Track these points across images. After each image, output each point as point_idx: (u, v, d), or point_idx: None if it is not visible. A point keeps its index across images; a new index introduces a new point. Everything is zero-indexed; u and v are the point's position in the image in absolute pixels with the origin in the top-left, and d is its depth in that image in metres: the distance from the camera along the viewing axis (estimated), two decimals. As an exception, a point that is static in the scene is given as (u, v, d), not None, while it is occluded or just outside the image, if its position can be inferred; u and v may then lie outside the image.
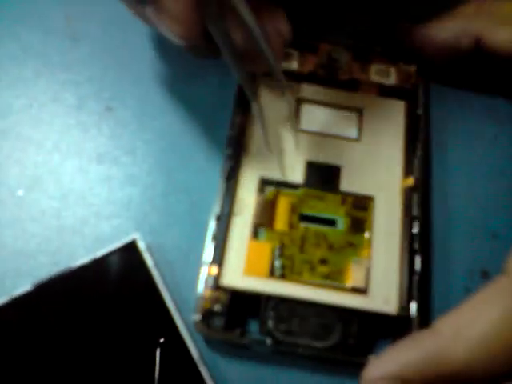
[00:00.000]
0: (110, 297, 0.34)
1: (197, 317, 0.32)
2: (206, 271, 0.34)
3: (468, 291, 0.36)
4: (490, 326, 0.26)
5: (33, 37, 0.43)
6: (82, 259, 0.34)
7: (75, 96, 0.41)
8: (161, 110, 0.41)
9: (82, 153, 0.39)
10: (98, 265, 0.34)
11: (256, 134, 0.38)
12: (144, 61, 0.42)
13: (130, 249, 0.35)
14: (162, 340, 0.33)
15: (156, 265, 0.35)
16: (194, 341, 0.33)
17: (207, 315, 0.32)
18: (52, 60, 0.42)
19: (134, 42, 0.43)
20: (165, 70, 0.42)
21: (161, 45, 0.42)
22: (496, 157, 0.40)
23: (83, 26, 0.43)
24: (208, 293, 0.33)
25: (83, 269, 0.34)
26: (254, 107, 0.35)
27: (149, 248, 0.35)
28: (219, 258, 0.34)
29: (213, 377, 0.32)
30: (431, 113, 0.41)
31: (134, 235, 0.35)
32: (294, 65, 0.41)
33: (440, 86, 0.42)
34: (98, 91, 0.41)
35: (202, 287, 0.33)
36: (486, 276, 0.36)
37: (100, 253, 0.35)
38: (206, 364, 0.32)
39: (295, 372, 0.33)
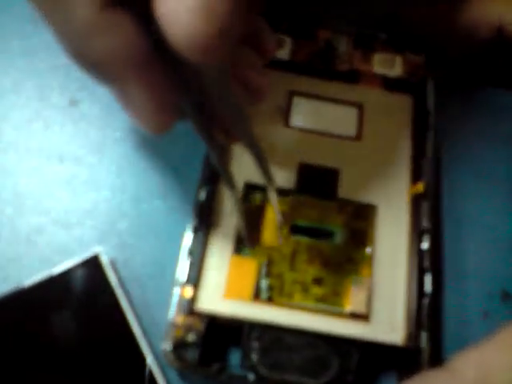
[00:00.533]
0: (67, 320, 0.30)
1: (167, 346, 0.28)
2: (179, 293, 0.29)
3: (486, 316, 0.32)
4: None
5: (-12, 18, 0.38)
6: (36, 275, 0.30)
7: (36, 86, 0.37)
8: (133, 103, 0.36)
9: (41, 151, 0.35)
10: (55, 282, 0.30)
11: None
12: None
13: (92, 264, 0.31)
14: (127, 372, 0.28)
15: (122, 283, 0.31)
16: (164, 373, 0.29)
17: (179, 345, 0.28)
18: (11, 45, 0.38)
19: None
20: None
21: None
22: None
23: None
24: (181, 319, 0.29)
25: (36, 287, 0.30)
26: (232, 197, 0.30)
27: (113, 263, 0.31)
28: (195, 278, 0.30)
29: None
30: (441, 109, 0.37)
31: (97, 248, 0.31)
32: (286, 53, 0.36)
33: (452, 79, 0.38)
34: (61, 82, 0.37)
35: (173, 312, 0.29)
36: (507, 298, 0.32)
37: (57, 269, 0.31)
38: None
39: None
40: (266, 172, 0.29)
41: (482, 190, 0.35)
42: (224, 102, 0.26)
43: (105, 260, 0.31)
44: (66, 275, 0.30)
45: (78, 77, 0.37)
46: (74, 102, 0.36)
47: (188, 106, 0.26)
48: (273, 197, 0.30)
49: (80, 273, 0.31)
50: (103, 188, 0.34)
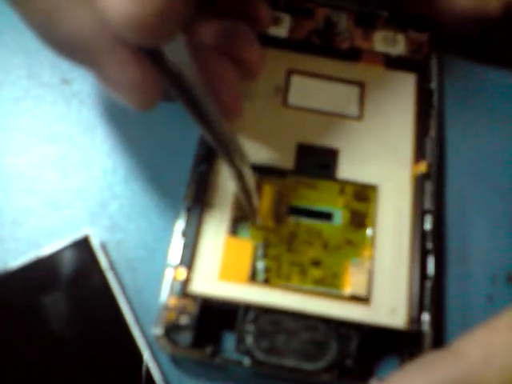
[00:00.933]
0: (55, 303, 0.29)
1: (158, 330, 0.27)
2: (172, 275, 0.28)
3: (491, 299, 0.31)
4: None
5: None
6: (24, 258, 0.29)
7: (27, 66, 0.36)
8: (126, 81, 0.35)
9: (30, 131, 0.34)
10: (42, 265, 0.29)
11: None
12: None
13: (82, 246, 0.30)
14: (118, 357, 0.27)
15: (112, 266, 0.30)
16: (157, 359, 0.28)
17: (171, 329, 0.27)
18: None
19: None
20: None
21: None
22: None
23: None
24: (173, 301, 0.28)
25: (24, 269, 0.29)
26: (231, 172, 0.29)
27: (104, 246, 0.30)
28: (188, 259, 0.29)
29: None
30: (446, 89, 0.36)
31: (87, 230, 0.30)
32: (284, 31, 0.35)
33: (456, 57, 0.37)
34: (52, 60, 0.36)
35: (165, 294, 0.28)
36: (511, 281, 0.31)
37: (45, 251, 0.30)
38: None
39: None
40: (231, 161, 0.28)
41: (487, 172, 0.34)
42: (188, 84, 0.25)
43: (95, 242, 0.30)
44: (54, 257, 0.29)
45: None
46: (65, 81, 0.35)
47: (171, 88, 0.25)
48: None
49: (69, 255, 0.30)
50: (94, 169, 0.33)
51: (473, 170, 0.34)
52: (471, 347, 0.22)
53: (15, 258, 0.30)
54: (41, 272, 0.29)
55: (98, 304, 0.29)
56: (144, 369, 0.27)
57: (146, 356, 0.27)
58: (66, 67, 0.35)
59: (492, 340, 0.22)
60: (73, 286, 0.29)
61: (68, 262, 0.29)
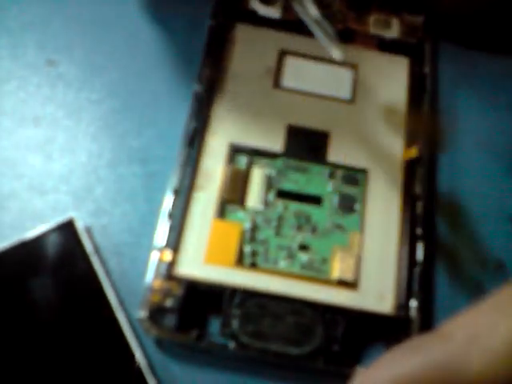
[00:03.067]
0: (40, 287, 0.30)
1: (143, 313, 0.28)
2: (158, 257, 0.29)
3: (479, 287, 0.32)
4: None
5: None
6: (7, 241, 0.30)
7: (9, 46, 0.36)
8: (113, 63, 0.36)
9: (14, 113, 0.35)
10: (26, 248, 0.30)
11: (228, 91, 0.34)
12: (95, 4, 0.38)
13: (66, 230, 0.31)
14: (103, 341, 0.28)
15: (97, 249, 0.31)
16: (141, 342, 0.29)
17: (156, 312, 0.28)
18: None
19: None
20: (119, 16, 0.38)
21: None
22: (513, 126, 0.36)
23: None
24: (159, 283, 0.29)
25: (8, 253, 0.30)
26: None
27: (89, 230, 0.31)
28: (175, 241, 0.30)
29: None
30: (439, 74, 0.37)
31: (72, 213, 0.31)
32: (277, 12, 0.37)
33: (451, 43, 0.38)
34: (37, 41, 0.37)
35: (151, 277, 0.29)
36: (500, 268, 0.32)
37: (29, 234, 0.30)
38: (154, 372, 0.28)
39: (264, 383, 0.29)
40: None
41: (478, 159, 0.35)
42: None
43: (80, 226, 0.31)
44: (38, 241, 0.30)
45: (56, 35, 0.37)
46: (51, 62, 0.36)
47: None
48: None
49: (53, 239, 0.30)
50: (79, 152, 0.34)
51: (464, 157, 0.35)
52: (456, 329, 0.23)
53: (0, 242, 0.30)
54: (25, 256, 0.30)
55: (83, 288, 0.30)
56: (128, 352, 0.28)
57: (130, 340, 0.28)
58: (51, 48, 0.36)
59: (477, 321, 0.22)
60: (57, 269, 0.30)
61: (52, 246, 0.30)
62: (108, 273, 0.30)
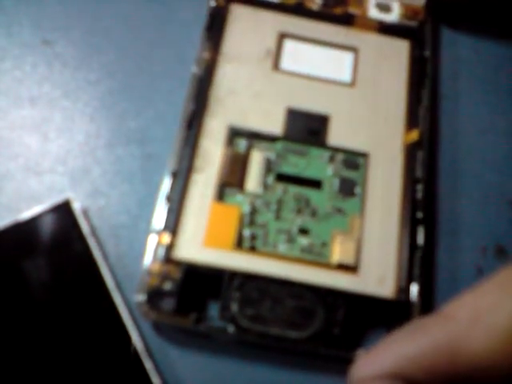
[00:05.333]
0: (35, 269, 0.29)
1: (141, 297, 0.27)
2: (156, 240, 0.28)
3: (480, 272, 0.31)
4: None
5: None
6: (2, 222, 0.29)
7: (4, 24, 0.35)
8: (111, 43, 0.35)
9: (9, 93, 0.34)
10: (21, 229, 0.29)
11: (226, 73, 0.33)
12: None
13: (62, 211, 0.30)
14: (99, 324, 0.27)
15: (94, 231, 0.30)
16: (139, 327, 0.28)
17: (154, 295, 0.27)
18: None
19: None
20: None
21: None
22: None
23: None
24: (157, 267, 0.28)
25: (3, 234, 0.29)
26: None
27: (85, 211, 0.30)
28: (173, 224, 0.29)
29: (161, 372, 0.28)
30: (441, 58, 0.36)
31: (69, 194, 0.30)
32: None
33: (451, 28, 0.37)
34: (33, 19, 0.35)
35: (149, 260, 0.28)
36: (501, 253, 0.31)
37: (25, 215, 0.29)
38: (151, 356, 0.28)
39: (264, 367, 0.28)
40: None
41: (480, 144, 0.34)
42: None
43: (76, 207, 0.30)
44: (34, 221, 0.29)
45: (52, 14, 0.35)
46: (47, 42, 0.35)
47: None
48: None
49: (50, 219, 0.29)
50: (76, 133, 0.33)
51: (465, 141, 0.34)
52: (459, 309, 0.22)
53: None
54: (21, 237, 0.29)
55: (79, 269, 0.29)
56: (125, 336, 0.27)
57: (127, 322, 0.28)
58: (47, 27, 0.35)
59: (479, 301, 0.21)
60: (53, 251, 0.29)
61: (48, 227, 0.29)
62: (105, 255, 0.29)
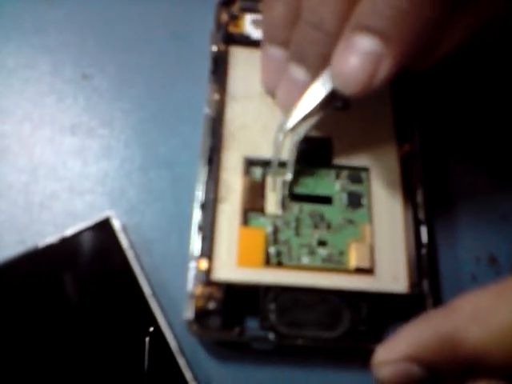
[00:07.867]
0: (79, 279, 0.20)
1: (189, 316, 0.19)
2: (195, 266, 0.20)
3: (475, 279, 0.23)
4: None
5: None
6: (51, 237, 0.21)
7: (49, 62, 0.25)
8: (141, 77, 0.26)
9: (54, 123, 0.24)
10: (68, 244, 0.21)
11: (236, 111, 0.23)
12: (124, 24, 0.27)
13: (104, 227, 0.21)
14: (147, 334, 0.18)
15: (132, 245, 0.21)
16: (175, 334, 0.20)
17: (202, 314, 0.19)
18: (24, 23, 0.26)
19: (114, 4, 0.27)
20: (147, 34, 0.26)
21: (142, 7, 0.27)
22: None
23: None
24: (199, 289, 0.19)
25: (51, 248, 0.21)
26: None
27: (124, 227, 0.22)
28: (208, 251, 0.20)
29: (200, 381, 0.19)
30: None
31: (109, 212, 0.21)
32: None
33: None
34: (74, 58, 0.26)
35: (191, 284, 0.20)
36: (493, 262, 0.23)
37: (70, 231, 0.21)
38: (189, 364, 0.19)
39: (300, 369, 0.20)
40: None
41: (475, 158, 0.25)
42: None
43: (116, 223, 0.21)
44: (77, 237, 0.21)
45: (90, 53, 0.26)
46: (85, 77, 0.25)
47: None
48: None
49: (92, 235, 0.21)
50: (113, 158, 0.24)
51: (458, 155, 0.24)
52: (464, 303, 0.16)
53: (43, 238, 0.21)
54: (66, 250, 0.21)
55: (119, 280, 0.20)
56: (165, 345, 0.18)
57: (165, 329, 0.19)
58: (85, 63, 0.26)
59: (482, 300, 0.16)
60: (96, 264, 0.21)
61: (91, 242, 0.21)
62: (142, 266, 0.21)
